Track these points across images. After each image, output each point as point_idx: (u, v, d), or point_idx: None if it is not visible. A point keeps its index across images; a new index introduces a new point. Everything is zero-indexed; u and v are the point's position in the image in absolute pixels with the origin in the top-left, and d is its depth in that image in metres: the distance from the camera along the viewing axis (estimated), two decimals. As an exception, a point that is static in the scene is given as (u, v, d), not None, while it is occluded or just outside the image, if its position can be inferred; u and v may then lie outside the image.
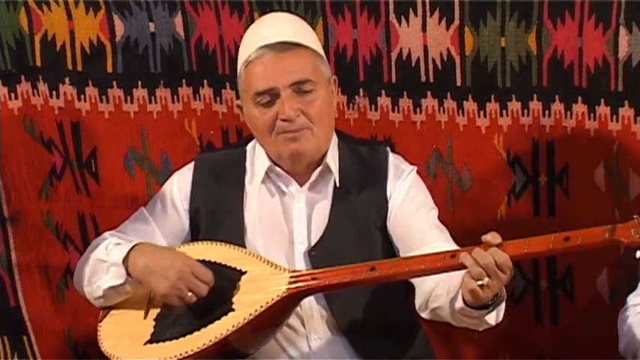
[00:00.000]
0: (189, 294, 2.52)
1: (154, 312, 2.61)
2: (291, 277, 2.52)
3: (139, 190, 3.17)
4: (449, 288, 2.48)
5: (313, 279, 2.51)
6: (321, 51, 2.71)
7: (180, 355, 2.47)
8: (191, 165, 2.81)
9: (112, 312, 2.66)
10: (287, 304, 2.52)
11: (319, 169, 2.69)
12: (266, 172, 2.71)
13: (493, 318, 2.42)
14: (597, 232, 2.30)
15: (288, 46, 2.62)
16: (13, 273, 3.28)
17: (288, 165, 2.69)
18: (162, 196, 2.81)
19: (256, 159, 2.74)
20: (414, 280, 2.61)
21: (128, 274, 2.57)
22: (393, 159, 2.75)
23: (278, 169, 2.71)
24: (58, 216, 3.25)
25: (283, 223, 2.70)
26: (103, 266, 2.61)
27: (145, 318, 2.60)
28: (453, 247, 2.58)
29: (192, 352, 2.47)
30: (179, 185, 2.79)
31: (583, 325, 3.07)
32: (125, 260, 2.58)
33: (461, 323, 2.48)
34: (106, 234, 2.75)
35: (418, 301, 2.63)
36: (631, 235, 2.25)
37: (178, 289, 2.52)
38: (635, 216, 2.27)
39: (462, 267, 2.37)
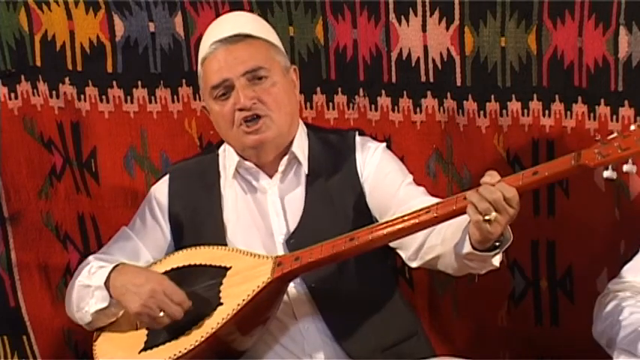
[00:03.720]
0: (161, 314, 2.53)
1: None
2: (274, 262, 2.55)
3: (138, 190, 3.17)
4: (444, 236, 2.52)
5: (296, 259, 2.53)
6: (277, 42, 2.75)
7: (175, 355, 2.49)
8: (165, 177, 2.85)
9: (105, 330, 2.69)
10: (274, 290, 2.55)
11: (286, 158, 2.72)
12: (236, 168, 2.74)
13: (497, 259, 2.44)
14: (564, 161, 2.35)
15: (238, 38, 2.68)
16: (13, 273, 3.28)
17: (254, 156, 2.71)
18: (141, 212, 2.85)
19: (227, 159, 2.77)
20: (400, 241, 2.62)
21: (111, 295, 2.60)
22: (359, 140, 2.78)
23: (247, 163, 2.73)
24: (58, 216, 3.25)
25: (259, 218, 2.72)
26: (88, 291, 2.64)
27: (137, 329, 2.62)
28: (432, 200, 2.60)
29: (185, 351, 2.49)
30: (156, 197, 2.82)
31: (583, 325, 3.06)
32: (107, 282, 2.60)
33: (463, 269, 2.51)
34: (90, 258, 2.77)
35: (406, 253, 2.66)
36: (596, 158, 2.30)
37: (149, 307, 2.53)
38: (597, 137, 2.33)
39: (438, 222, 2.42)
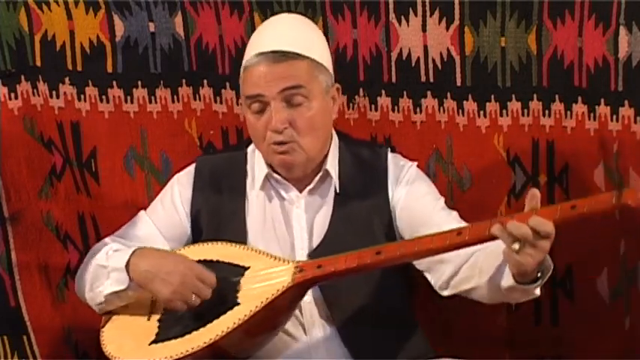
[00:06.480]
0: (193, 297, 2.52)
1: (158, 313, 2.62)
2: (296, 267, 2.52)
3: (139, 190, 3.17)
4: (480, 268, 2.49)
5: (318, 267, 2.50)
6: (324, 57, 2.70)
7: (187, 351, 2.46)
8: (192, 167, 2.82)
9: (114, 317, 2.66)
10: (292, 296, 2.52)
11: (319, 175, 2.69)
12: (266, 177, 2.72)
13: (539, 289, 2.41)
14: (604, 198, 2.30)
15: (282, 56, 2.61)
16: (13, 273, 3.28)
17: (283, 173, 2.70)
18: (162, 198, 2.82)
19: (256, 163, 2.75)
20: (429, 265, 2.62)
21: (130, 279, 2.57)
22: (391, 158, 2.76)
23: (276, 175, 2.71)
24: (58, 216, 3.24)
25: (284, 229, 2.70)
26: (104, 272, 2.61)
27: (148, 320, 2.60)
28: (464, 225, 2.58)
29: (198, 348, 2.46)
30: (180, 188, 2.79)
31: (583, 325, 3.07)
32: (127, 265, 2.57)
33: (500, 299, 2.50)
34: (107, 239, 2.75)
35: (437, 281, 2.64)
36: (639, 198, 2.26)
37: (181, 293, 2.52)
38: None
39: (469, 245, 2.39)
